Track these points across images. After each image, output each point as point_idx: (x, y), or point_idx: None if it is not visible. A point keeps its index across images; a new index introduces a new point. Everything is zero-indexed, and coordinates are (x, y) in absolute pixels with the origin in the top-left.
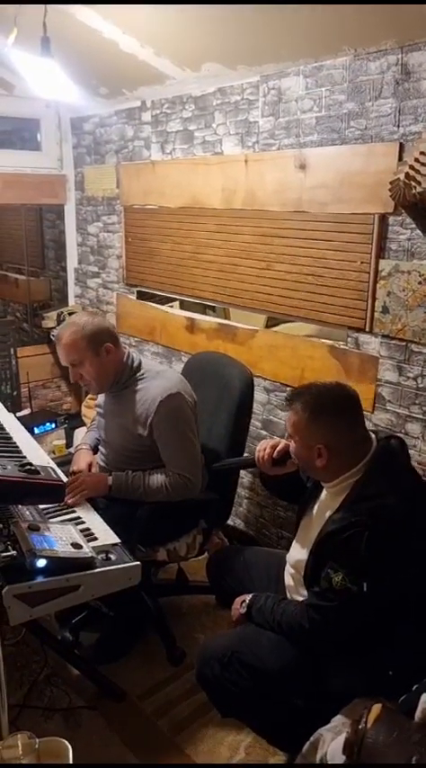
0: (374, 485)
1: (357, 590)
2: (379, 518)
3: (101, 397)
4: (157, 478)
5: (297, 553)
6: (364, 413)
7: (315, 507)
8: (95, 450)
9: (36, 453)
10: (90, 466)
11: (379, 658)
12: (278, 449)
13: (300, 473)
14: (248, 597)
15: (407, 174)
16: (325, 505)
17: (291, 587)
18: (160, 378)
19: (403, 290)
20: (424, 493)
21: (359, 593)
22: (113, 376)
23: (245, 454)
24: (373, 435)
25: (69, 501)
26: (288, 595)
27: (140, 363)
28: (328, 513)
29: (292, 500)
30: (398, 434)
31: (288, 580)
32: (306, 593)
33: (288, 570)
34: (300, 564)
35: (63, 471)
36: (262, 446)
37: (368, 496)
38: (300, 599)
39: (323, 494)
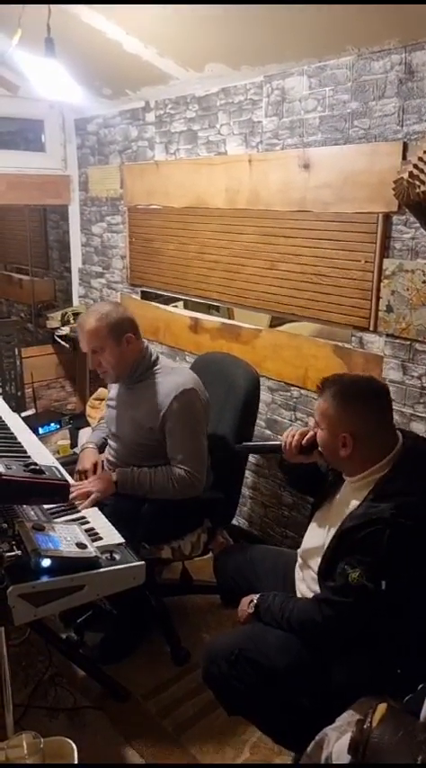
0: (398, 482)
1: (373, 588)
2: (402, 516)
3: (113, 390)
4: (163, 476)
5: (310, 542)
6: None
7: (335, 500)
8: (101, 449)
9: (40, 453)
10: (95, 466)
11: (387, 657)
12: (307, 437)
13: (319, 466)
14: (255, 597)
15: (411, 174)
16: (346, 500)
17: (299, 576)
18: (175, 374)
19: (408, 289)
20: None
21: (375, 591)
22: (131, 366)
23: None
24: (400, 434)
25: (79, 507)
26: (297, 590)
27: (157, 358)
28: (349, 508)
29: (305, 491)
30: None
31: (298, 574)
32: (310, 581)
33: (299, 563)
34: (309, 554)
35: (67, 471)
36: (291, 432)
37: (391, 493)
38: (303, 586)
39: (345, 488)
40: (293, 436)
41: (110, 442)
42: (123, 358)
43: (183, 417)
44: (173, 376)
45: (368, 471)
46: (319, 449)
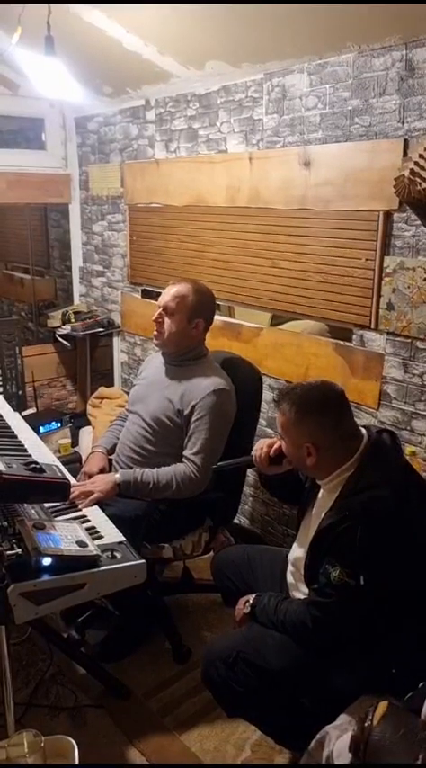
0: (366, 478)
1: (354, 584)
2: (372, 511)
3: (148, 370)
4: (166, 476)
5: (297, 551)
6: (368, 410)
7: (314, 506)
8: (110, 452)
9: (41, 452)
10: (102, 471)
11: (384, 656)
12: (274, 447)
13: (299, 473)
14: (251, 597)
15: (412, 171)
16: (322, 503)
17: (292, 584)
18: (218, 372)
19: (409, 287)
20: (417, 484)
21: (356, 587)
22: (182, 346)
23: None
24: (364, 430)
25: (80, 506)
26: (290, 593)
27: (207, 354)
28: (324, 511)
29: (292, 501)
30: (389, 428)
31: (289, 578)
32: (305, 589)
33: (289, 568)
34: (299, 561)
35: (68, 470)
36: (259, 445)
37: (360, 490)
38: (300, 596)
39: (321, 492)
40: (262, 448)
41: (127, 424)
42: (181, 335)
43: (212, 413)
44: (216, 373)
45: (337, 472)
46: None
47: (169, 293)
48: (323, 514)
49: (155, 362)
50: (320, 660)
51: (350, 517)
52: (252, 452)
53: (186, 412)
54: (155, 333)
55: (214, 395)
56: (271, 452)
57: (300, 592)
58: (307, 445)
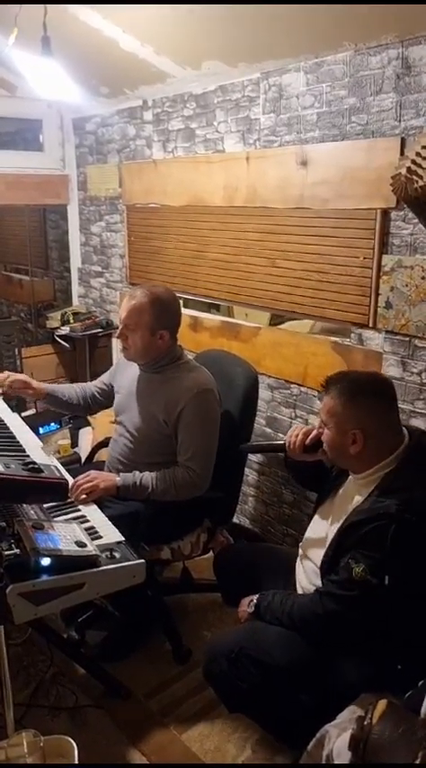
0: (405, 478)
1: (377, 583)
2: (408, 512)
3: (124, 378)
4: (165, 480)
5: (311, 534)
6: None
7: (338, 494)
8: (42, 390)
9: (40, 453)
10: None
11: (389, 653)
12: (311, 435)
13: (324, 462)
14: (255, 597)
15: (409, 169)
16: (351, 494)
17: (300, 573)
18: (197, 372)
19: (407, 286)
20: None
21: (378, 586)
22: (152, 357)
23: None
24: (405, 430)
25: (80, 498)
26: (297, 584)
27: (182, 354)
28: (354, 504)
29: (310, 487)
30: None
31: (298, 567)
32: (315, 580)
33: (299, 552)
34: (314, 552)
35: (67, 471)
36: (294, 432)
37: (397, 489)
38: (309, 586)
39: (349, 483)
40: (297, 435)
41: (114, 435)
42: (149, 348)
43: (200, 416)
44: (194, 374)
45: (375, 467)
46: (324, 447)
47: (126, 308)
48: (352, 507)
49: (130, 369)
50: (324, 655)
51: (383, 516)
52: (286, 437)
53: (173, 419)
54: (122, 347)
55: (198, 397)
56: (308, 441)
57: (305, 575)
58: (355, 432)
